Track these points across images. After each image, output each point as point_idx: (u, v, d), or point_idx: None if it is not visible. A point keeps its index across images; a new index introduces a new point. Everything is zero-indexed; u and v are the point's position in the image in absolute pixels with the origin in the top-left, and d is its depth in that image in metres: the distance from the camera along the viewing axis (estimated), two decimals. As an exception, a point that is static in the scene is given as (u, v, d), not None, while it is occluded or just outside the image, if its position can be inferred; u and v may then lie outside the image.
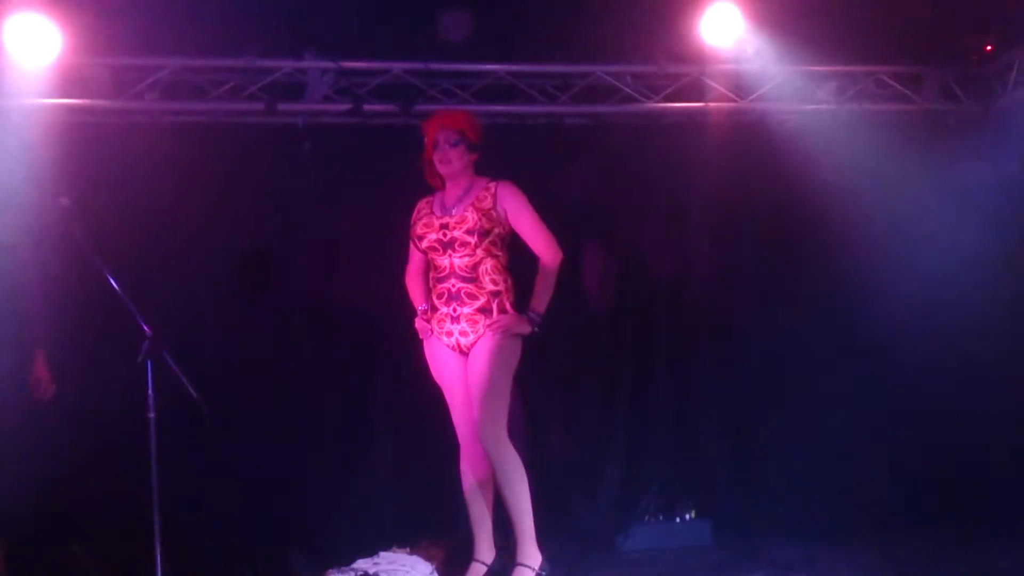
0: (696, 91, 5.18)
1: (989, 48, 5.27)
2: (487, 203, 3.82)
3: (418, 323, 3.96)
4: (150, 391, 3.59)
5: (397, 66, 4.90)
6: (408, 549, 4.30)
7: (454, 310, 3.83)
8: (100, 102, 4.65)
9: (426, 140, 3.91)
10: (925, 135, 5.32)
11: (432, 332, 3.90)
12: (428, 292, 3.94)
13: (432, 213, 3.92)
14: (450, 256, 3.83)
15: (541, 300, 3.81)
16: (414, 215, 3.97)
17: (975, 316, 5.25)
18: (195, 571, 4.12)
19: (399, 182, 4.72)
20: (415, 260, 4.02)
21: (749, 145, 5.26)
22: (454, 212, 3.85)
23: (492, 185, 3.87)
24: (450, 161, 3.85)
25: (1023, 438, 5.17)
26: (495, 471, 3.79)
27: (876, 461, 5.18)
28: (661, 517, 4.78)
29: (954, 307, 5.20)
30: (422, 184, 4.06)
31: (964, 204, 5.31)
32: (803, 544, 4.55)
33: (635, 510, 4.80)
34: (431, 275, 3.93)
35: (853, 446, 5.17)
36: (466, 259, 3.81)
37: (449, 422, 3.98)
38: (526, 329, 3.79)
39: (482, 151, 3.92)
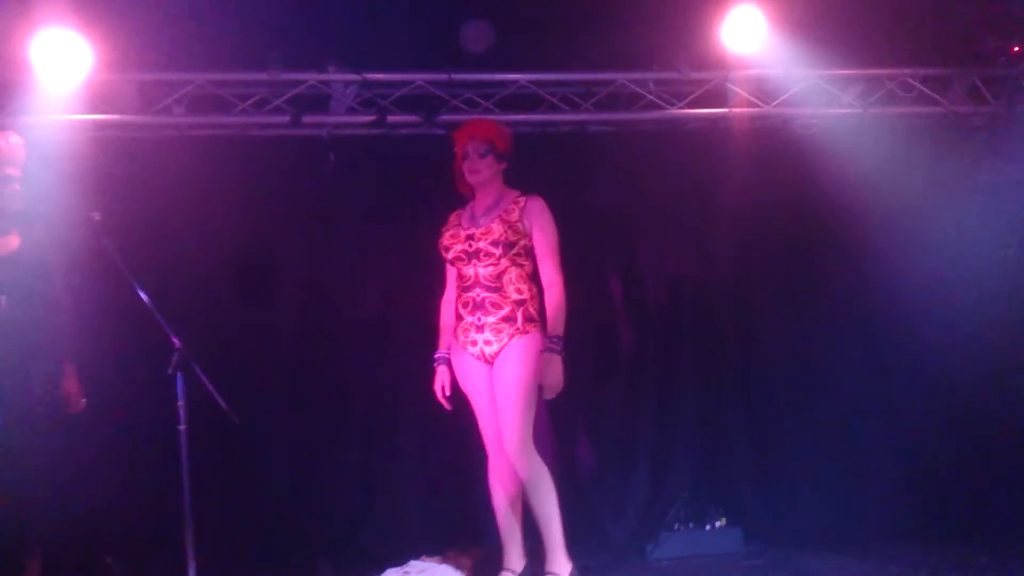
0: (719, 97, 5.16)
1: (1016, 49, 5.22)
2: (514, 215, 3.84)
3: (436, 381, 3.97)
4: (180, 403, 3.62)
5: (420, 77, 4.92)
6: (438, 558, 4.31)
7: (479, 319, 3.84)
8: (128, 117, 4.70)
9: (456, 149, 3.94)
10: (952, 138, 5.28)
11: (446, 389, 3.94)
12: (453, 331, 3.94)
13: (460, 224, 3.94)
14: (475, 266, 3.84)
15: (557, 325, 3.79)
16: (443, 227, 3.99)
17: (1004, 321, 5.18)
18: (226, 582, 4.16)
19: (423, 192, 4.77)
20: (450, 286, 4.03)
21: (773, 151, 5.22)
22: (481, 223, 3.87)
23: (522, 199, 3.89)
24: (479, 171, 3.88)
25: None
26: (523, 481, 3.79)
27: (907, 470, 5.10)
28: (691, 525, 4.75)
29: (982, 312, 5.13)
30: (446, 194, 4.08)
31: (992, 207, 5.25)
32: (833, 553, 4.51)
33: (664, 518, 4.77)
34: (457, 284, 3.94)
35: (884, 455, 5.11)
36: (491, 268, 3.83)
37: (477, 431, 3.99)
38: (559, 359, 3.76)
39: (511, 161, 3.94)
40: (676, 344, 5.20)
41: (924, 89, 5.24)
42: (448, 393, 3.96)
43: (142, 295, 3.67)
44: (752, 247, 5.29)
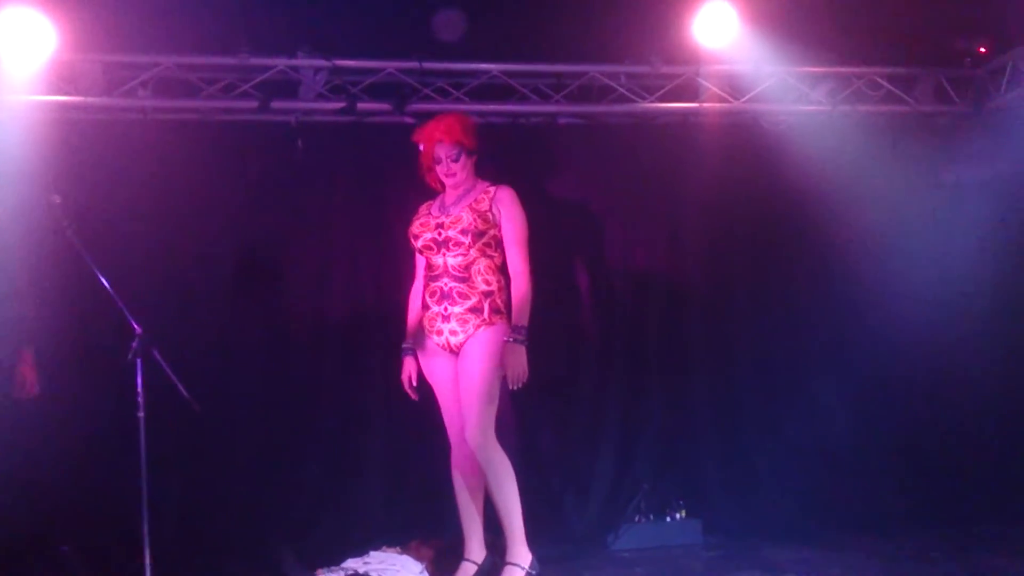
0: (690, 91, 5.18)
1: (982, 50, 5.28)
2: (484, 205, 3.85)
3: (404, 371, 3.96)
4: (139, 390, 3.58)
5: (391, 65, 4.90)
6: (398, 548, 4.32)
7: (445, 309, 3.83)
8: (92, 99, 4.64)
9: (422, 150, 3.91)
10: (918, 136, 5.33)
11: (413, 380, 3.93)
12: (419, 322, 3.93)
13: (430, 214, 3.94)
14: (444, 255, 3.84)
15: (522, 315, 3.78)
16: (413, 216, 3.97)
17: (969, 317, 5.27)
18: (184, 571, 4.12)
19: (392, 180, 4.75)
20: (419, 275, 4.01)
21: (743, 146, 5.26)
22: (451, 212, 3.87)
23: (492, 189, 3.89)
24: (455, 174, 3.89)
25: (1018, 439, 5.19)
26: (484, 471, 3.80)
27: (868, 462, 5.18)
28: (651, 516, 4.77)
29: (948, 308, 5.21)
30: (415, 182, 4.06)
31: (957, 205, 5.32)
32: (793, 544, 4.56)
33: (625, 509, 4.79)
34: (425, 274, 3.93)
35: (845, 447, 5.17)
36: (460, 258, 3.82)
37: (441, 422, 3.99)
38: (523, 349, 3.76)
39: (480, 151, 3.93)
40: (641, 337, 5.21)
41: (891, 88, 5.29)
42: (415, 384, 3.95)
43: (102, 280, 3.63)
44: (720, 241, 5.32)
